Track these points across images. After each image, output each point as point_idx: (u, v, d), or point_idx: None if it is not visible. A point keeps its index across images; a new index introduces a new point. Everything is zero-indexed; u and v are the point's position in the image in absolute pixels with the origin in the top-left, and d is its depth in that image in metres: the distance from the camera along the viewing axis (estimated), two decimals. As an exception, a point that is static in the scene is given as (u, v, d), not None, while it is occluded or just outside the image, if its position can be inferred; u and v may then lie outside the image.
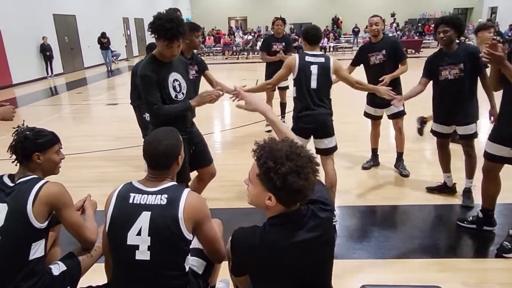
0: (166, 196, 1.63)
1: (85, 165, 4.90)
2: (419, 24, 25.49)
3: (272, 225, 1.40)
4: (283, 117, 6.40)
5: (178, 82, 2.68)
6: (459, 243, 3.03)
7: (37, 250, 1.76)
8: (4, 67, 11.99)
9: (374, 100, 4.17)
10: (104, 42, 15.51)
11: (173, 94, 2.64)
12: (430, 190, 3.78)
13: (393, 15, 24.20)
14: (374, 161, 4.50)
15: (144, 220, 1.59)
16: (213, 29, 24.86)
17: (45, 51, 13.58)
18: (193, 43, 3.49)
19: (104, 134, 6.46)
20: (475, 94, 3.31)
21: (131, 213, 1.61)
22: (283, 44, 5.84)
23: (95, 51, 16.42)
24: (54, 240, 2.18)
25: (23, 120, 2.10)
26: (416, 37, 21.28)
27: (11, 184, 1.78)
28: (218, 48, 21.29)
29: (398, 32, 21.35)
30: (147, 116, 4.45)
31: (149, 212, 1.60)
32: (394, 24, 23.39)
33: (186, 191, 1.68)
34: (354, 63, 4.33)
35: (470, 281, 2.43)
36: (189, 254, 1.72)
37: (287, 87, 6.18)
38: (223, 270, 2.16)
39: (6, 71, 12.04)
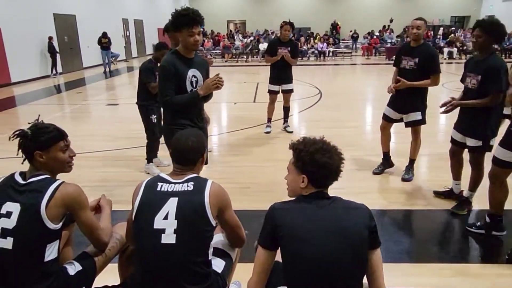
0: (192, 183, 1.74)
1: (87, 165, 4.86)
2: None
3: (298, 198, 1.63)
4: (286, 121, 6.39)
5: (196, 79, 2.76)
6: (469, 248, 3.03)
7: (52, 251, 1.72)
8: (3, 66, 11.91)
9: (396, 103, 4.15)
10: (104, 42, 15.46)
11: (189, 88, 2.72)
12: (437, 194, 3.78)
13: (391, 21, 24.38)
14: (385, 165, 4.45)
15: (171, 205, 1.67)
16: (212, 32, 24.88)
17: (51, 50, 13.57)
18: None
19: (106, 134, 6.43)
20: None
21: (159, 200, 1.69)
22: (289, 48, 5.83)
23: (94, 51, 16.37)
24: (67, 239, 2.15)
25: (39, 115, 2.03)
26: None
27: (23, 182, 1.74)
28: (217, 51, 21.29)
29: (398, 39, 21.46)
30: (153, 117, 4.41)
31: (176, 198, 1.68)
32: (389, 31, 23.54)
33: (210, 180, 1.79)
34: (395, 65, 4.19)
35: (482, 287, 2.42)
36: (212, 249, 1.76)
37: (291, 90, 6.18)
38: (236, 273, 2.15)
39: (5, 69, 11.97)
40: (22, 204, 1.67)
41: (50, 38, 13.62)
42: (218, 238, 1.98)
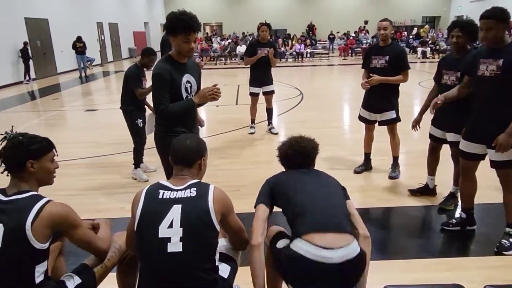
0: (195, 189, 1.73)
1: (71, 173, 4.73)
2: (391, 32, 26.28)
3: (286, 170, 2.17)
4: (270, 123, 6.41)
5: (190, 84, 2.68)
6: (459, 242, 3.09)
7: (42, 272, 1.64)
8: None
9: (369, 104, 4.25)
10: (79, 47, 15.10)
11: (184, 94, 2.64)
12: (413, 192, 3.85)
13: (366, 22, 24.86)
14: (366, 166, 4.54)
15: (175, 212, 1.65)
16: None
17: (25, 56, 13.15)
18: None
19: (87, 140, 6.27)
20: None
21: (162, 208, 1.66)
22: (268, 49, 5.89)
23: (69, 56, 15.97)
24: (60, 250, 2.08)
25: (12, 126, 1.94)
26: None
27: (5, 199, 1.63)
28: (195, 54, 21.13)
29: (374, 39, 21.87)
30: (139, 122, 4.34)
31: (180, 205, 1.66)
32: (364, 31, 24.00)
33: (212, 185, 1.79)
34: (364, 66, 4.32)
35: (477, 279, 2.49)
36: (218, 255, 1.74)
37: (273, 92, 6.21)
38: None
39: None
40: (6, 224, 1.57)
41: (26, 44, 13.23)
42: (221, 243, 1.96)
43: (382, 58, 4.04)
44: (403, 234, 3.24)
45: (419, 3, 28.57)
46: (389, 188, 4.11)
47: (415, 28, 24.37)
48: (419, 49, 19.99)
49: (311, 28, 26.79)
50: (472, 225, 3.13)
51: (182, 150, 1.83)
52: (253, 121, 6.44)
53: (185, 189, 1.72)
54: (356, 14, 27.04)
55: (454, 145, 3.36)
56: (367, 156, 4.56)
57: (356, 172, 4.49)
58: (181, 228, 1.62)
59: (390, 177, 4.28)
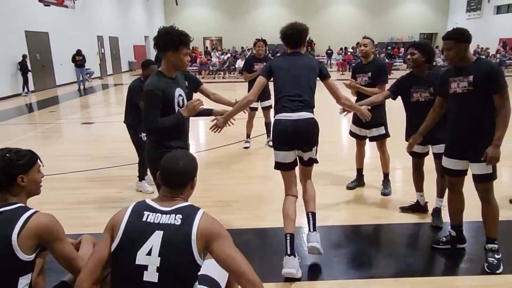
0: (180, 216, 1.61)
1: (62, 186, 4.70)
2: (389, 48, 26.61)
3: (284, 53, 3.25)
4: (269, 136, 6.44)
5: (181, 98, 2.72)
6: (449, 261, 3.06)
7: (25, 285, 1.64)
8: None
9: (358, 119, 4.24)
10: (78, 60, 15.21)
11: (176, 109, 2.67)
12: (404, 209, 3.83)
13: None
14: (358, 181, 4.53)
15: (155, 240, 1.56)
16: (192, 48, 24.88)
17: (24, 69, 13.26)
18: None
19: (82, 154, 6.25)
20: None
21: (144, 231, 1.58)
22: (264, 64, 5.95)
23: (68, 69, 16.08)
24: (40, 268, 2.05)
25: None
26: (386, 60, 22.10)
27: None
28: (194, 68, 21.29)
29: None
30: (143, 136, 4.36)
31: (162, 232, 1.57)
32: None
33: (201, 212, 1.65)
34: None
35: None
36: (197, 282, 1.64)
37: (270, 107, 6.24)
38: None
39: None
40: None
41: (24, 57, 13.35)
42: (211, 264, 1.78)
43: (365, 75, 4.17)
44: (393, 251, 3.20)
45: (417, 20, 28.97)
46: (382, 204, 4.09)
47: (412, 45, 24.64)
48: (416, 65, 20.17)
49: (309, 43, 27.04)
50: (463, 243, 3.11)
51: (174, 172, 1.72)
52: (248, 135, 6.48)
53: (171, 213, 1.62)
54: (354, 30, 27.37)
55: (438, 157, 3.34)
56: (360, 171, 4.56)
57: (348, 188, 4.47)
58: (159, 258, 1.53)
59: (383, 194, 4.27)
